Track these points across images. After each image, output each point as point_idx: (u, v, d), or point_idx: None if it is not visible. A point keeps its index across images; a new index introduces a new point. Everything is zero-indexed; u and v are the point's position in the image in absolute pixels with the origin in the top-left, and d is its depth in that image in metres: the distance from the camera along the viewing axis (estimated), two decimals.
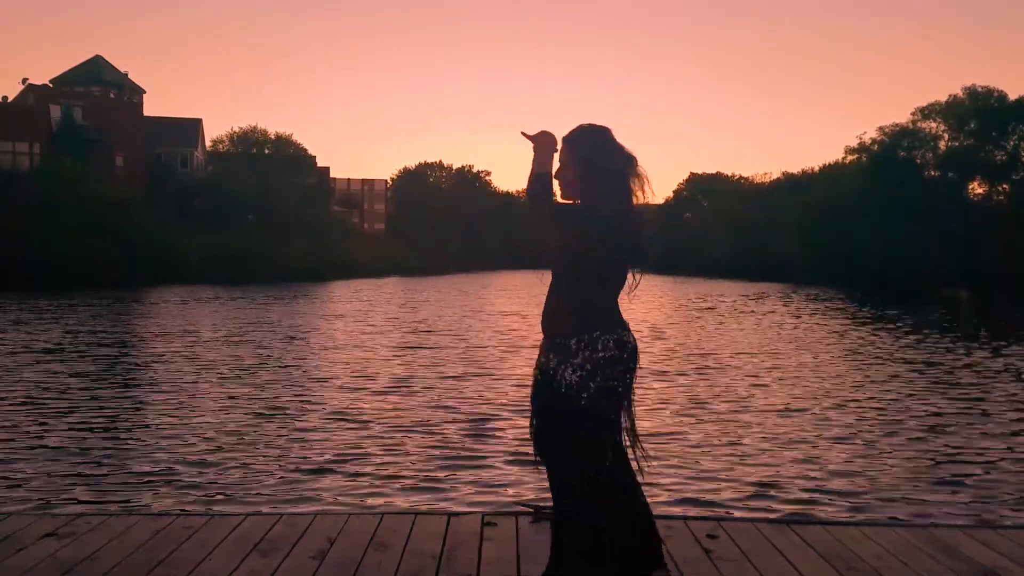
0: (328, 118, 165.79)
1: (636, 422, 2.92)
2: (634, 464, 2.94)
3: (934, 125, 52.36)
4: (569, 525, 2.84)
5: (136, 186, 49.44)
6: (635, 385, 2.90)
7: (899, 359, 13.72)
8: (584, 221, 2.84)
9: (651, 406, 9.15)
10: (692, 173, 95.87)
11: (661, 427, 8.08)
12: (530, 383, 3.01)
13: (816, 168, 66.83)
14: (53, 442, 7.41)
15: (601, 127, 2.93)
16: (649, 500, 3.06)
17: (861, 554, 3.60)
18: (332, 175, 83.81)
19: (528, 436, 3.04)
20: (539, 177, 2.88)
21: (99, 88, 56.62)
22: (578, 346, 2.77)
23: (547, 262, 2.92)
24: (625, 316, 2.90)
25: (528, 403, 3.05)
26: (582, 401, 2.74)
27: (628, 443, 2.92)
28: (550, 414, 2.86)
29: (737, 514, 5.27)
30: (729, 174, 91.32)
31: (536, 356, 2.98)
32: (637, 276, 2.92)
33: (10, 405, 9.18)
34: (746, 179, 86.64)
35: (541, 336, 2.98)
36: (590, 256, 2.81)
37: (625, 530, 2.86)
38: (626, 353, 2.81)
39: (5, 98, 50.86)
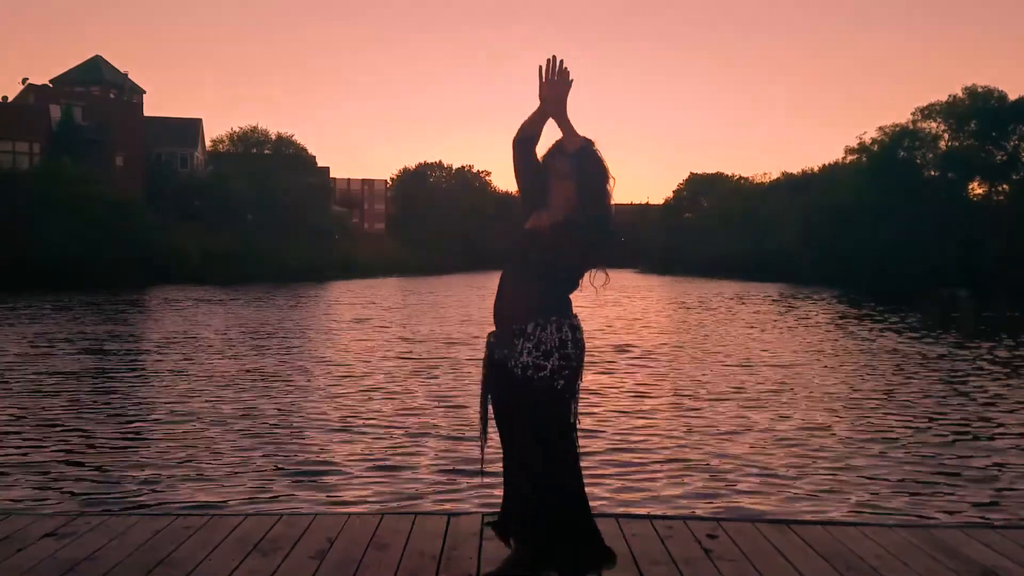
0: (328, 118, 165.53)
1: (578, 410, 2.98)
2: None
3: (934, 125, 52.28)
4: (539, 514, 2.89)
5: (136, 186, 49.38)
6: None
7: (898, 359, 13.71)
8: (596, 233, 2.91)
9: (653, 406, 9.15)
10: (692, 173, 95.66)
11: (661, 426, 8.08)
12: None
13: (816, 168, 66.79)
14: (53, 442, 7.41)
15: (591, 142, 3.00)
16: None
17: (861, 554, 3.60)
18: (332, 175, 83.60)
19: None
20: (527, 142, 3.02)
21: (99, 88, 56.52)
22: (534, 330, 2.85)
23: (522, 257, 2.96)
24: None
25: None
26: (535, 381, 2.82)
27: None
28: (507, 400, 2.95)
29: (737, 514, 5.27)
30: (729, 174, 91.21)
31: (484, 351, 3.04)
32: (606, 274, 3.03)
33: (10, 405, 9.18)
34: (746, 179, 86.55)
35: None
36: (575, 261, 2.93)
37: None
38: (578, 337, 2.90)
39: (5, 98, 50.78)
